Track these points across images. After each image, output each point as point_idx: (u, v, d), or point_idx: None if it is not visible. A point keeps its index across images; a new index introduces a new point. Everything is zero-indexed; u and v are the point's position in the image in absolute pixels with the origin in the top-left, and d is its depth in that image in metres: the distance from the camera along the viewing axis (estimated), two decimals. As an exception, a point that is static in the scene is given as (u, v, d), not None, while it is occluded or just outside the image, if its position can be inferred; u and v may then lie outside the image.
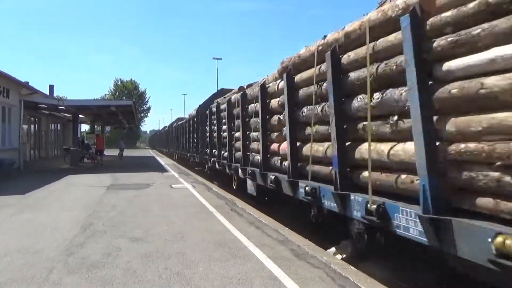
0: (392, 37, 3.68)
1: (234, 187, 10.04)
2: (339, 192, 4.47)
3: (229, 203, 8.98)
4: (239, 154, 9.21)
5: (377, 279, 4.02)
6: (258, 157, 7.62)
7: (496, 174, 2.67)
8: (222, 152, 11.41)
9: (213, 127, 12.82)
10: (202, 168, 15.16)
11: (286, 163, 6.15)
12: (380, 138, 3.95)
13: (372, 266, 4.55)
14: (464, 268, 3.24)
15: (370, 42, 3.90)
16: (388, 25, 3.73)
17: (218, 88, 18.75)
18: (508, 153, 2.57)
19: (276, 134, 6.96)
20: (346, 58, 4.50)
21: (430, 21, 3.22)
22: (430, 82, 3.23)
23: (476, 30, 2.78)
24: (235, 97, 9.89)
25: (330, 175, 4.81)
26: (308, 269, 4.29)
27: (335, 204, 4.61)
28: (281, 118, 6.54)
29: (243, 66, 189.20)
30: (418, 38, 3.25)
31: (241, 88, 10.55)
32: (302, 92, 5.69)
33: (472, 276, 3.26)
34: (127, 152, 30.30)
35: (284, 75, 6.01)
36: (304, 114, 5.64)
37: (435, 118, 3.18)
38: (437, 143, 3.17)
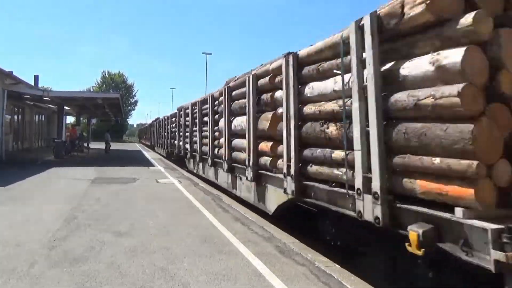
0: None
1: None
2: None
3: (215, 198, 8.96)
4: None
5: (360, 277, 4.07)
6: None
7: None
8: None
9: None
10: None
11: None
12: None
13: (356, 264, 4.60)
14: None
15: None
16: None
17: (207, 84, 24.05)
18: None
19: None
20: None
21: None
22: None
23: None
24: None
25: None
26: (293, 266, 4.32)
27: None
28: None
29: (233, 61, 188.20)
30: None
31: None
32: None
33: None
34: (112, 146, 29.89)
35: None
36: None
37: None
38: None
